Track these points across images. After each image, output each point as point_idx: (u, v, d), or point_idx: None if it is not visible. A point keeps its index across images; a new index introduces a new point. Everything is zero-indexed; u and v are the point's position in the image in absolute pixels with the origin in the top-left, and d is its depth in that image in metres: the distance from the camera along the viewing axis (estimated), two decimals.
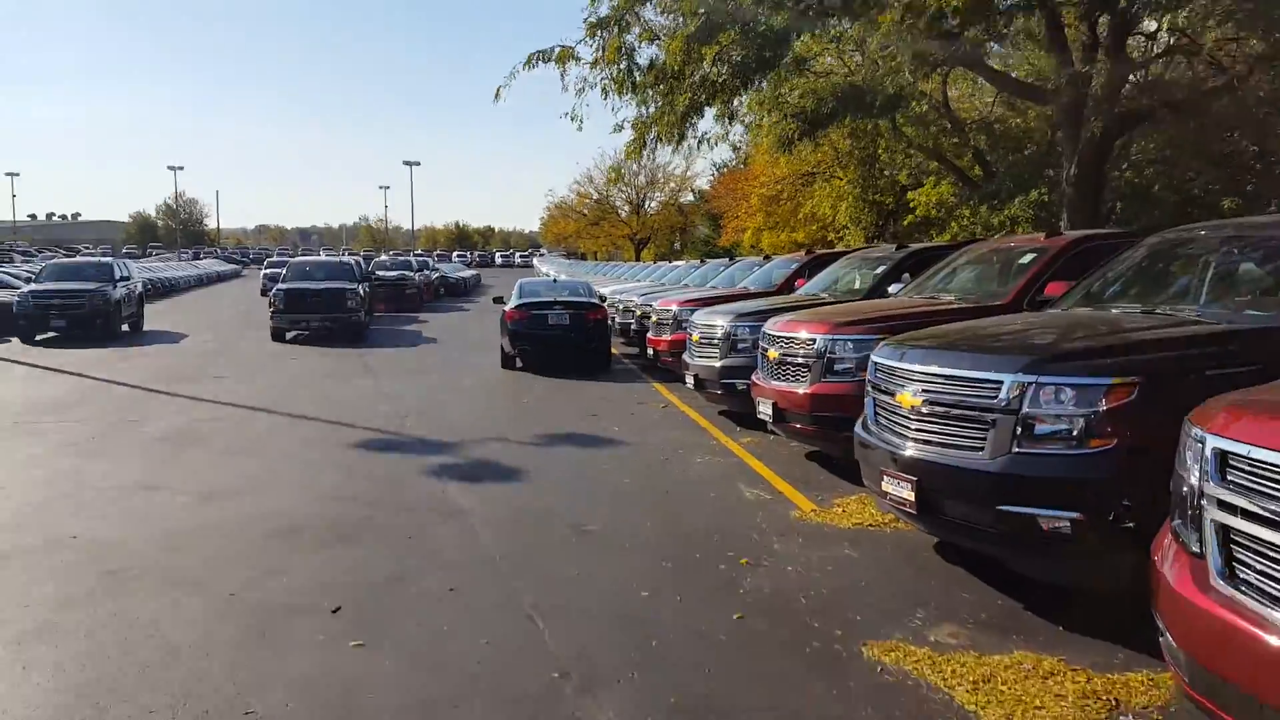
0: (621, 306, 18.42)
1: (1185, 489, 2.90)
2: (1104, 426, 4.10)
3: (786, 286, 12.86)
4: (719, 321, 10.05)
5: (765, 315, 9.33)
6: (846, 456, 7.30)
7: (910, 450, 4.84)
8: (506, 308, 15.69)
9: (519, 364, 15.67)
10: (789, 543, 5.65)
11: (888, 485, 5.00)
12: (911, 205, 21.87)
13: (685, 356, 10.79)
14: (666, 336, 13.24)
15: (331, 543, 5.78)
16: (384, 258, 43.21)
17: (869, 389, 5.52)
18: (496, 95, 14.54)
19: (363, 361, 17.13)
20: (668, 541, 5.72)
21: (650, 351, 13.86)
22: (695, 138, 15.54)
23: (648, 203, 65.97)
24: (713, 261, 20.94)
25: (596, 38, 13.72)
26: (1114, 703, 3.49)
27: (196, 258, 72.28)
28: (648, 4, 13.81)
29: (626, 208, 66.85)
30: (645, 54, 14.27)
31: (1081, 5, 11.81)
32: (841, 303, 9.31)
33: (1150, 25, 12.68)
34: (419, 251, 67.08)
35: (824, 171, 26.14)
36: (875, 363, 5.46)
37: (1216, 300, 5.17)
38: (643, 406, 11.52)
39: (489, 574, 5.19)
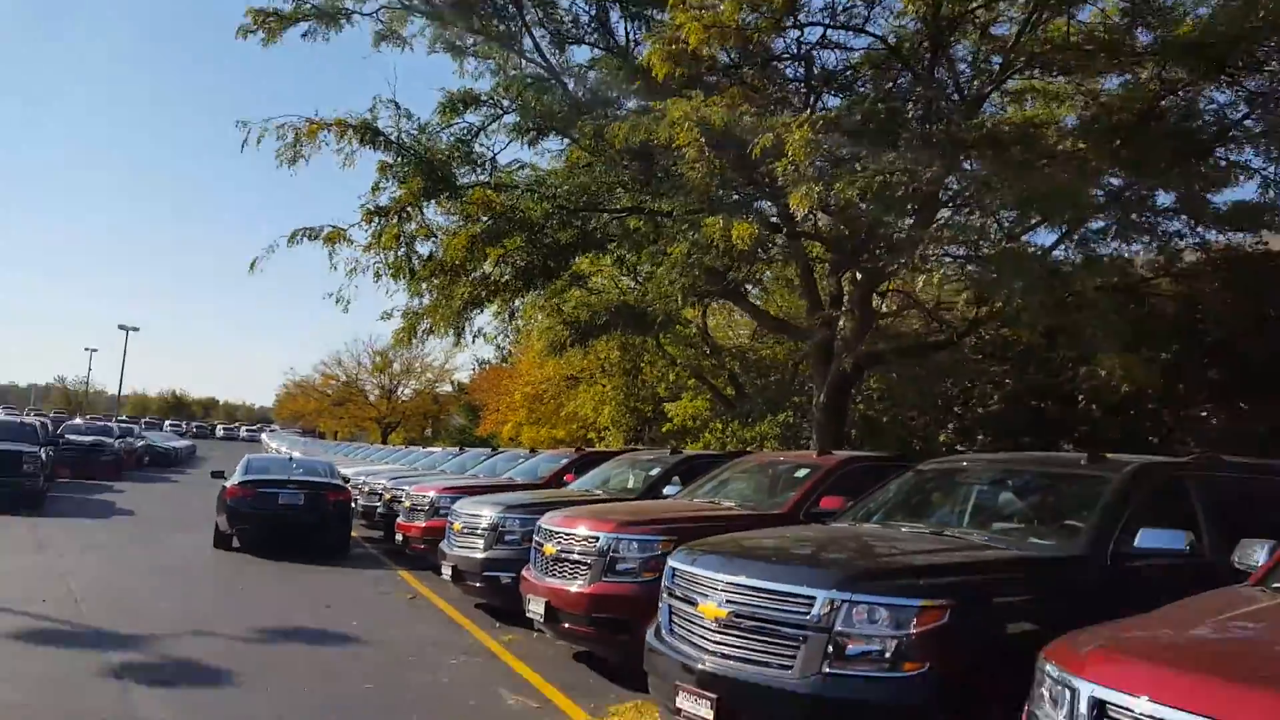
0: (367, 489, 16.97)
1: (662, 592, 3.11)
2: (916, 649, 4.01)
3: (555, 481, 12.42)
4: (485, 511, 9.29)
5: (538, 508, 8.77)
6: (622, 660, 6.75)
7: (711, 664, 4.49)
8: (228, 484, 13.81)
9: (235, 544, 13.65)
10: None
11: (683, 701, 4.56)
12: (669, 415, 22.67)
13: (443, 545, 9.82)
14: (420, 523, 12.16)
15: None
16: (78, 421, 37.99)
17: (665, 595, 5.15)
18: (251, 266, 13.50)
19: (34, 534, 14.19)
20: None
21: (399, 537, 12.62)
22: (471, 332, 15.26)
23: (401, 389, 64.07)
24: (472, 450, 20.16)
25: (374, 224, 13.33)
26: None
27: None
28: (429, 202, 13.73)
29: (377, 392, 64.46)
30: (424, 247, 14.04)
31: (830, 264, 13.27)
32: (616, 500, 8.99)
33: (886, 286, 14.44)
34: (123, 418, 59.59)
35: (588, 377, 26.76)
36: (675, 568, 5.11)
37: (985, 526, 5.47)
38: (387, 597, 10.21)
39: None
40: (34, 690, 5.60)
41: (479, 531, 9.21)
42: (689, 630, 4.79)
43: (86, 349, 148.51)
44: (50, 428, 25.09)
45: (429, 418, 62.79)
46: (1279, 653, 2.80)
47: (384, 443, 53.76)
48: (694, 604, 4.77)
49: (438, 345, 71.11)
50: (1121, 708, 2.41)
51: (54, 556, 11.74)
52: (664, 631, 5.03)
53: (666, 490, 9.25)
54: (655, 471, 10.05)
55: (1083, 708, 2.51)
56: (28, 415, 37.43)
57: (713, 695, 4.36)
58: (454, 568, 9.27)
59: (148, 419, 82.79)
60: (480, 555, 8.98)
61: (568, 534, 7.13)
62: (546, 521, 7.55)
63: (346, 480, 15.68)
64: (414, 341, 16.02)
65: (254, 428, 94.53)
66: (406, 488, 14.45)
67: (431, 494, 12.30)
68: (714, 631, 4.55)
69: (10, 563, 10.89)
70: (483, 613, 9.33)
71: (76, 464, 27.04)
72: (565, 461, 13.06)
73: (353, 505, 15.25)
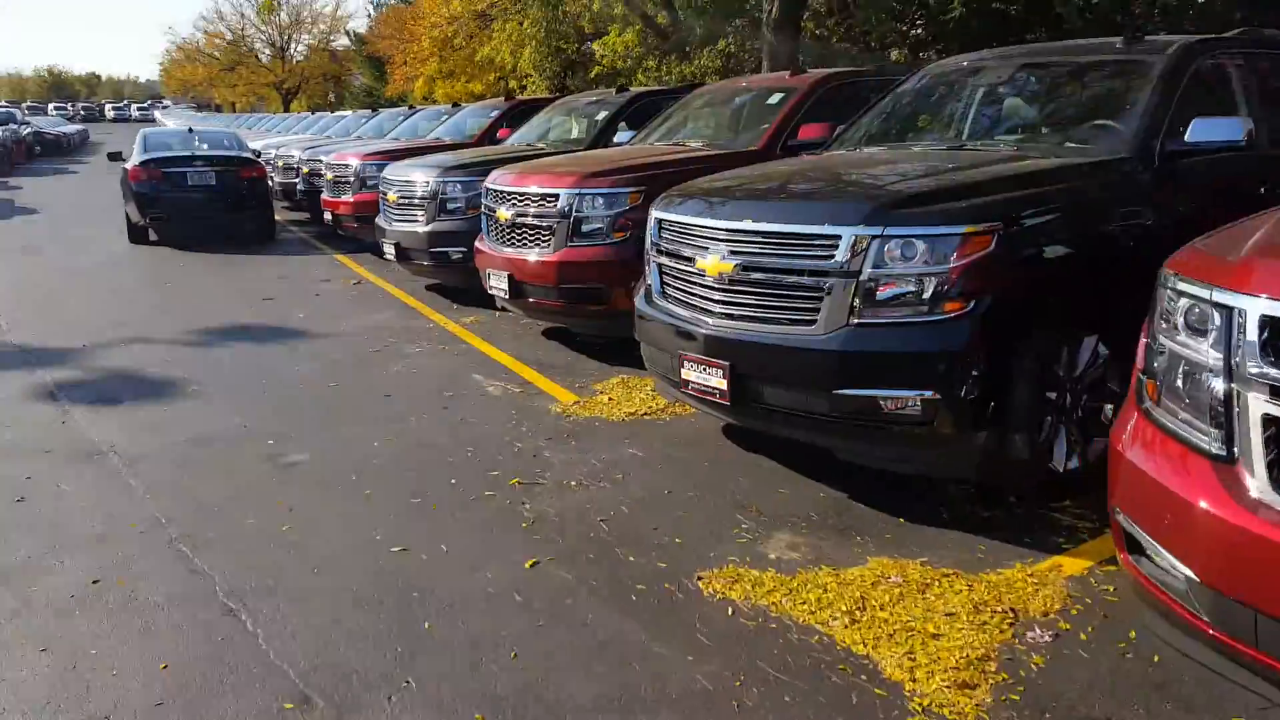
0: (281, 163, 15.61)
1: (1191, 370, 2.16)
2: (959, 285, 3.42)
3: (488, 136, 11.35)
4: (421, 176, 8.40)
5: (480, 168, 7.91)
6: (601, 336, 6.42)
7: (719, 327, 3.91)
8: (128, 165, 12.46)
9: (153, 237, 12.69)
10: (561, 448, 4.59)
11: (689, 372, 4.02)
12: (597, 56, 20.80)
13: (380, 221, 9.04)
14: (348, 197, 11.20)
15: None
16: None
17: (651, 253, 4.49)
18: None
19: None
20: (407, 465, 4.42)
21: (328, 216, 11.73)
22: None
23: (294, 46, 57.98)
24: (387, 111, 18.44)
25: None
26: (1011, 614, 2.96)
27: None
28: None
29: (268, 51, 58.38)
30: None
31: None
32: (563, 153, 8.12)
33: None
34: (2, 103, 53.69)
35: (501, 12, 24.04)
36: (661, 219, 4.40)
37: (1011, 134, 4.76)
38: (329, 285, 9.64)
39: (152, 549, 3.58)
40: None
41: (417, 201, 8.40)
42: (687, 291, 4.15)
43: None
44: None
45: (330, 79, 57.82)
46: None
47: (286, 111, 49.91)
48: (690, 260, 4.10)
49: None
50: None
51: None
52: (655, 296, 4.41)
53: (618, 138, 8.38)
54: (602, 115, 9.07)
55: (1250, 329, 2.00)
56: None
57: (724, 362, 3.84)
58: (396, 245, 8.59)
59: (29, 103, 75.17)
60: (424, 229, 8.26)
61: (521, 194, 6.37)
62: (494, 182, 6.76)
63: (257, 155, 14.30)
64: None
65: (144, 105, 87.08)
66: (323, 158, 13.24)
67: (354, 162, 11.18)
68: (719, 289, 3.91)
69: None
70: (436, 294, 8.84)
71: None
72: (496, 114, 11.86)
73: (270, 183, 14.05)
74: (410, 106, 17.37)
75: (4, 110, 36.17)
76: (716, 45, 16.43)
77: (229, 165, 12.56)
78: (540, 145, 9.14)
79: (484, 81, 28.60)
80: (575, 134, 9.57)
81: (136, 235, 12.64)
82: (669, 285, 4.34)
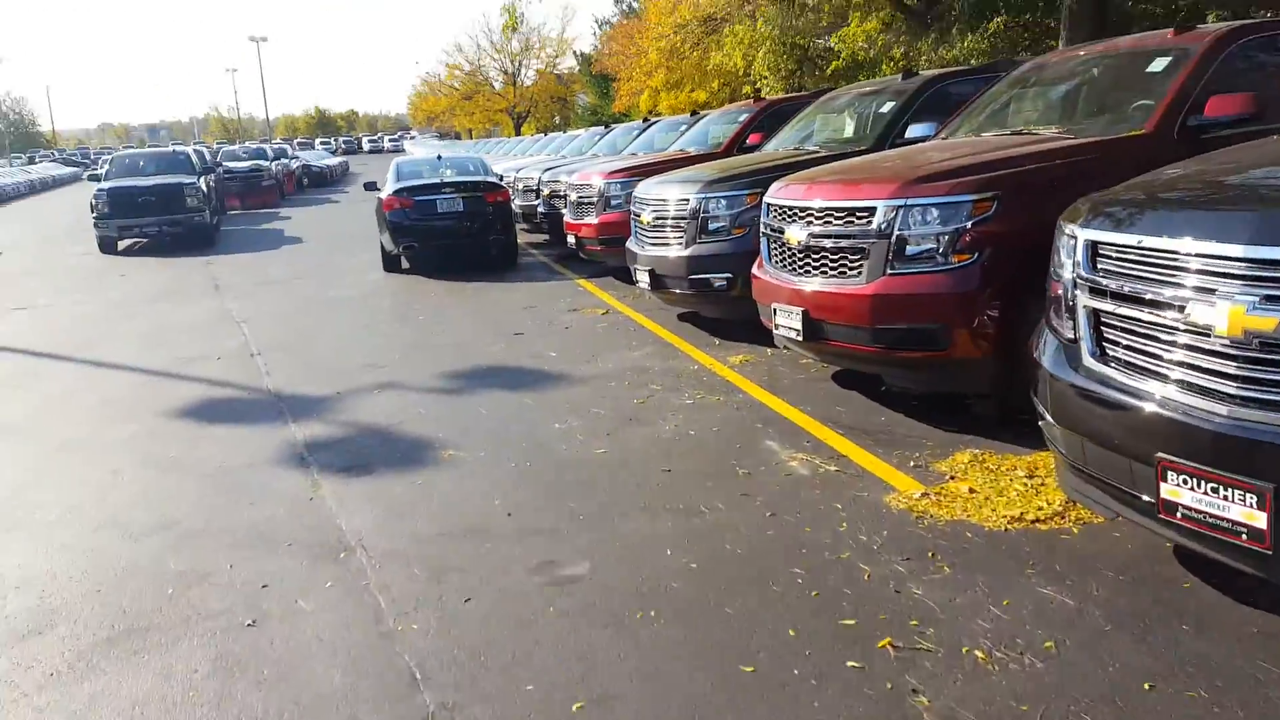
0: (521, 186, 15.40)
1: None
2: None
3: (736, 145, 10.25)
4: (678, 193, 7.40)
5: (750, 180, 6.79)
6: (927, 391, 5.09)
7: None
8: (382, 195, 12.54)
9: (405, 264, 12.70)
10: (932, 580, 3.22)
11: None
12: (835, 48, 19.26)
13: (631, 245, 8.16)
14: (592, 219, 10.51)
15: (101, 650, 3.11)
16: (234, 147, 37.79)
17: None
18: None
19: (209, 273, 13.76)
20: (718, 596, 3.25)
21: (571, 240, 11.11)
22: None
23: (524, 72, 60.56)
24: (620, 126, 17.93)
25: None
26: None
27: (31, 162, 62.93)
28: None
29: (501, 78, 61.39)
30: None
31: None
32: (846, 156, 6.72)
33: None
34: (277, 140, 60.25)
35: (730, 15, 23.08)
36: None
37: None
38: (576, 315, 8.90)
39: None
40: (204, 494, 4.56)
41: (673, 221, 7.41)
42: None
43: (227, 69, 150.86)
44: (206, 155, 24.67)
45: (556, 100, 59.71)
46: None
47: (518, 134, 51.96)
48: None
49: (550, 14, 65.81)
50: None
51: (229, 300, 11.10)
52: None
53: (912, 131, 6.95)
54: (887, 107, 7.66)
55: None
56: (189, 147, 37.59)
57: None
58: (650, 272, 7.64)
59: (299, 139, 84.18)
60: (683, 253, 7.25)
61: (819, 209, 5.09)
62: (779, 195, 5.47)
63: (500, 179, 14.09)
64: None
65: (395, 137, 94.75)
66: (563, 178, 12.74)
67: (597, 182, 10.48)
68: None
69: (187, 313, 10.26)
70: (691, 326, 7.84)
71: (242, 193, 27.11)
72: (745, 118, 10.73)
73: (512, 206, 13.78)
74: (645, 118, 16.66)
75: (278, 146, 39.95)
76: (986, 24, 14.38)
77: (475, 190, 12.30)
78: (814, 148, 7.87)
79: (708, 89, 27.78)
80: (851, 133, 8.21)
81: (391, 264, 12.70)
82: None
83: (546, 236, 14.79)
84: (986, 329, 4.37)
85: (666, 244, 7.49)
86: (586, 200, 10.73)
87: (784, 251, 5.40)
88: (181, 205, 16.98)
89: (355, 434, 5.48)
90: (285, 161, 34.03)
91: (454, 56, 61.68)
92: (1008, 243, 4.33)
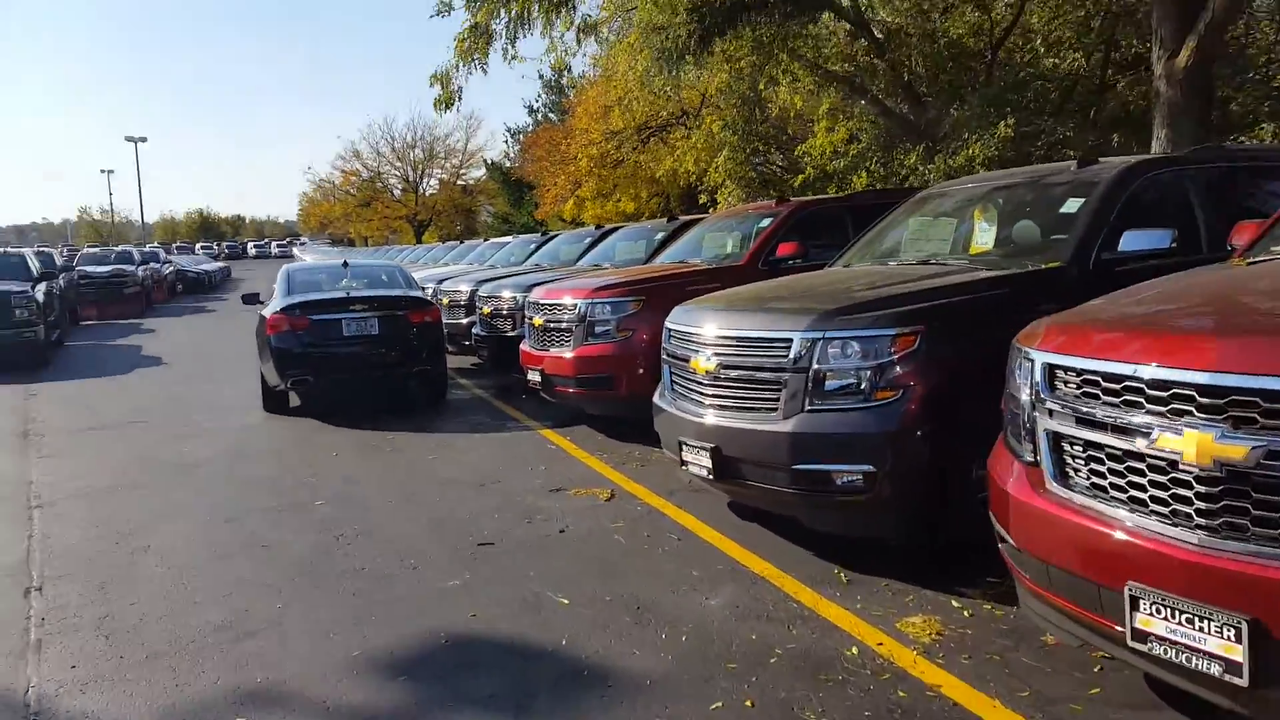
0: (446, 300, 12.43)
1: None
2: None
3: (761, 256, 7.75)
4: (770, 329, 4.58)
5: (905, 304, 4.20)
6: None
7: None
8: (266, 313, 9.35)
9: (294, 401, 9.48)
10: None
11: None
12: (800, 157, 17.45)
13: (668, 403, 5.27)
14: (566, 351, 7.67)
15: None
16: (93, 250, 33.46)
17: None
18: None
19: (24, 411, 10.12)
20: None
21: (533, 376, 8.18)
22: (568, 21, 10.25)
23: (427, 180, 58.14)
24: (566, 233, 15.36)
25: None
26: None
27: None
28: None
29: (401, 186, 58.70)
30: None
31: None
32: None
33: None
34: (155, 244, 55.28)
35: (679, 120, 21.26)
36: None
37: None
38: (565, 501, 5.90)
39: None
40: None
41: (765, 373, 4.57)
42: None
43: (102, 170, 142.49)
44: (55, 258, 20.71)
45: (460, 210, 57.44)
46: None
47: (418, 243, 49.15)
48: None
49: (454, 121, 64.41)
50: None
51: (35, 457, 7.63)
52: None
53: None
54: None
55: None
56: (59, 250, 32.89)
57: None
58: (716, 453, 4.70)
59: (179, 244, 78.63)
60: (782, 427, 4.38)
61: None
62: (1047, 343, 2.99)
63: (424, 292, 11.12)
64: (488, 49, 11.82)
65: (283, 242, 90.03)
66: (512, 293, 9.93)
67: (574, 301, 7.71)
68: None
69: None
70: (774, 532, 4.99)
71: (100, 301, 23.13)
72: (770, 223, 8.24)
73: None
74: (598, 226, 14.14)
75: (150, 250, 35.78)
76: (994, 128, 12.62)
77: (395, 308, 9.27)
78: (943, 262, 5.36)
79: (637, 199, 25.81)
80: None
81: (274, 402, 9.45)
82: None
83: (477, 360, 11.85)
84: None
85: (749, 408, 4.63)
86: (557, 325, 7.89)
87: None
88: (7, 319, 13.23)
89: None
90: (155, 266, 30.06)
91: (351, 162, 58.72)
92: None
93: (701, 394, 4.84)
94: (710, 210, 16.72)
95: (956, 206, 6.01)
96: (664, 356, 5.39)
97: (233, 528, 5.58)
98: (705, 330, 4.87)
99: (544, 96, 35.63)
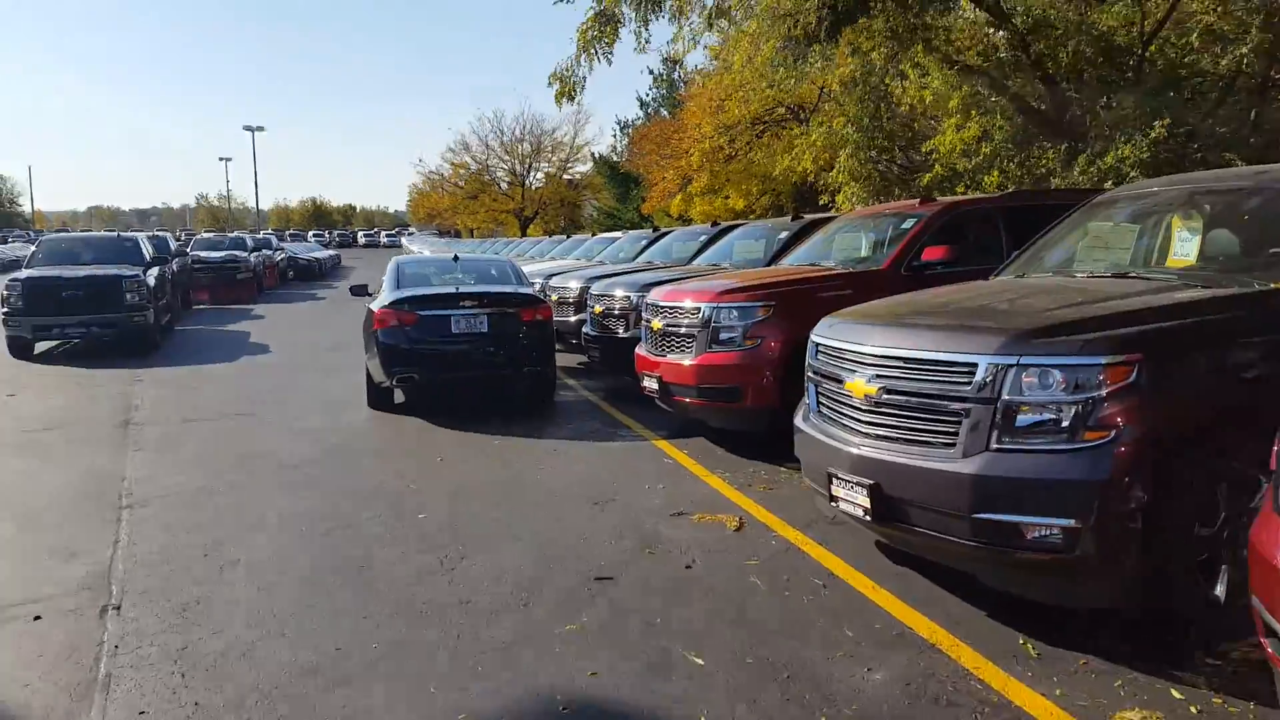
0: (555, 297, 11.99)
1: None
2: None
3: (905, 259, 6.95)
4: (953, 349, 3.84)
5: (1096, 329, 3.46)
6: None
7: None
8: (375, 306, 9.05)
9: (399, 398, 9.16)
10: None
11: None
12: (930, 155, 16.35)
13: (807, 423, 4.57)
14: (686, 358, 7.07)
15: None
16: (208, 235, 34.65)
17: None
18: None
19: (128, 396, 10.13)
20: None
21: (650, 384, 7.59)
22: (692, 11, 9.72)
23: (533, 174, 58.50)
24: (679, 230, 14.76)
25: None
26: None
27: (3, 241, 59.56)
28: None
29: (507, 179, 59.27)
30: None
31: None
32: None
33: None
34: (269, 231, 57.46)
35: (794, 115, 20.39)
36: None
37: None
38: (689, 528, 5.27)
39: None
40: None
41: (947, 403, 3.83)
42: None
43: (221, 159, 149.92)
44: (169, 243, 21.33)
45: (566, 204, 57.56)
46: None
47: (523, 236, 49.42)
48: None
49: (563, 115, 64.62)
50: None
51: (132, 449, 7.45)
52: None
53: None
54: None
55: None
56: (179, 235, 34.14)
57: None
58: (877, 490, 3.96)
59: (292, 231, 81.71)
60: (966, 469, 3.60)
61: None
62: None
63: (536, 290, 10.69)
64: (575, 92, 11.40)
65: (392, 232, 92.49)
66: (625, 292, 9.38)
67: (697, 305, 7.09)
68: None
69: (52, 477, 6.58)
70: (929, 581, 4.25)
71: (212, 286, 23.79)
72: (914, 225, 7.42)
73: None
74: (715, 223, 13.45)
75: (262, 237, 36.89)
76: (1150, 129, 11.37)
77: (505, 306, 8.84)
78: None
79: (747, 193, 24.95)
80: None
81: (379, 399, 9.14)
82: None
83: (584, 360, 11.37)
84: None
85: (918, 441, 3.88)
86: (677, 330, 7.28)
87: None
88: (117, 302, 13.44)
89: None
90: (268, 253, 30.87)
91: (460, 155, 59.60)
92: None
93: (858, 420, 4.16)
94: (832, 210, 15.80)
95: (1146, 211, 5.20)
96: (809, 374, 4.73)
97: (330, 542, 5.17)
98: (865, 347, 4.19)
99: (654, 91, 35.06)
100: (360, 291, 10.57)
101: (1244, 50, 10.89)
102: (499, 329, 8.72)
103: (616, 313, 9.58)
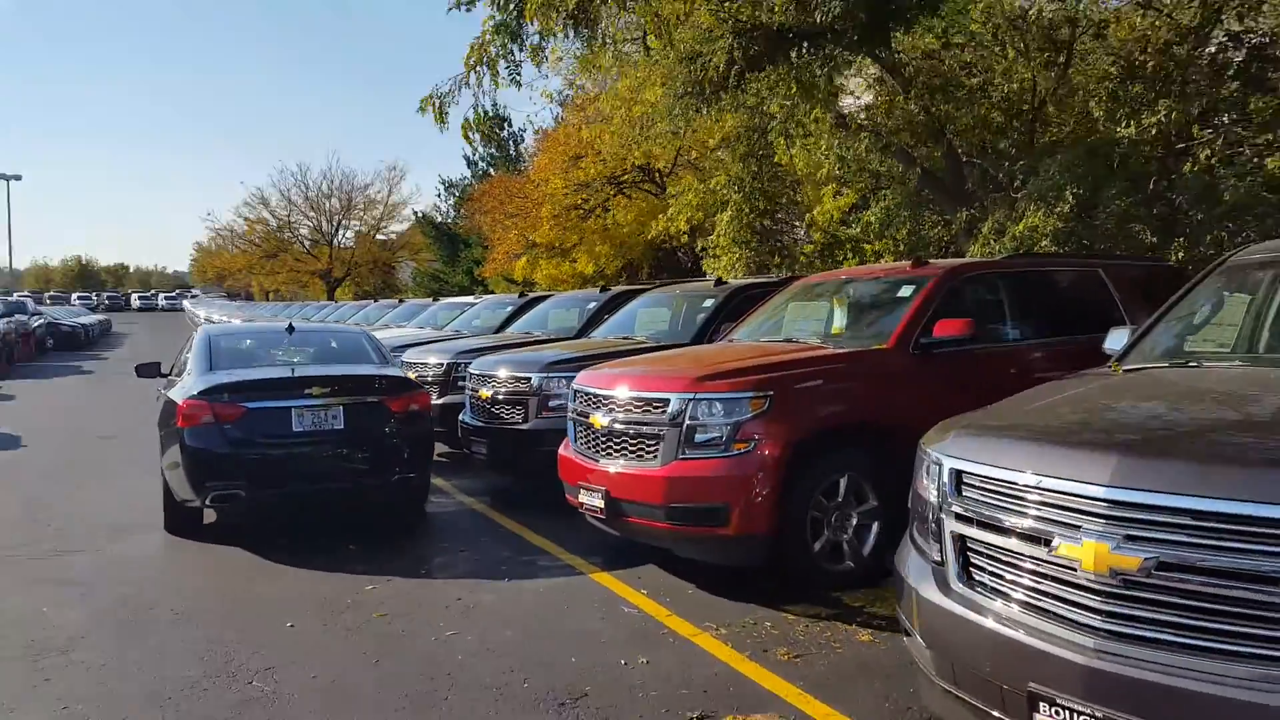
0: (413, 375, 9.71)
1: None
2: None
3: (912, 335, 5.53)
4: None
5: None
6: None
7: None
8: (177, 395, 6.49)
9: (208, 518, 6.65)
10: None
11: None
12: (809, 231, 15.59)
13: (921, 581, 2.89)
14: (652, 465, 5.19)
15: None
16: None
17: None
18: None
19: None
20: None
21: (589, 499, 5.57)
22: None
23: (343, 233, 54.27)
24: (562, 295, 12.85)
25: None
26: None
27: None
28: None
29: (312, 238, 54.67)
30: None
31: None
32: None
33: None
34: (25, 293, 49.50)
35: (648, 174, 19.15)
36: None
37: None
38: None
39: None
40: None
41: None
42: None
43: None
44: None
45: (379, 265, 53.95)
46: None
47: (331, 299, 45.52)
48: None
49: (376, 174, 61.10)
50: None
51: None
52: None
53: None
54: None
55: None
56: None
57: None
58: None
59: (53, 293, 71.62)
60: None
61: None
62: None
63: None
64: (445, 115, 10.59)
65: (171, 295, 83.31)
66: (525, 373, 7.45)
67: (671, 395, 5.26)
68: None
69: None
70: None
71: None
72: (914, 291, 5.97)
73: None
74: (603, 287, 11.66)
75: (15, 300, 31.31)
76: (1061, 194, 10.88)
77: (367, 393, 6.59)
78: None
79: (596, 259, 23.40)
80: None
81: (181, 522, 6.59)
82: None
83: (447, 450, 9.23)
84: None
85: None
86: (635, 428, 5.38)
87: None
88: None
89: None
90: (21, 318, 25.93)
91: (258, 210, 54.43)
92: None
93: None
94: (710, 274, 14.50)
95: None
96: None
97: None
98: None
99: (484, 148, 33.23)
100: (150, 372, 7.91)
101: (1152, 120, 10.62)
102: (359, 424, 6.46)
103: (509, 397, 7.55)
